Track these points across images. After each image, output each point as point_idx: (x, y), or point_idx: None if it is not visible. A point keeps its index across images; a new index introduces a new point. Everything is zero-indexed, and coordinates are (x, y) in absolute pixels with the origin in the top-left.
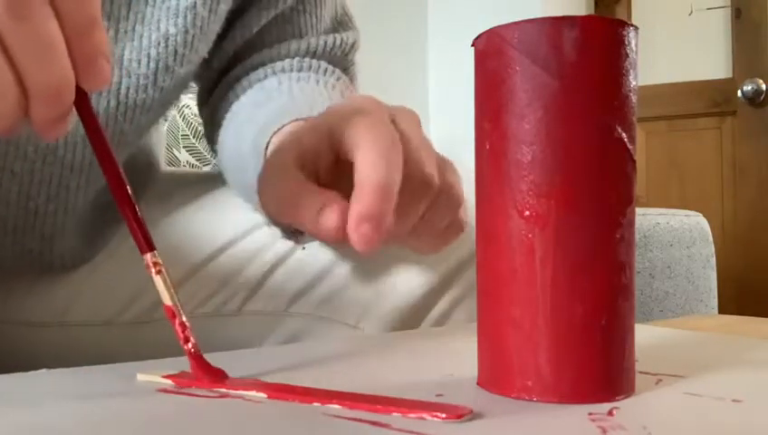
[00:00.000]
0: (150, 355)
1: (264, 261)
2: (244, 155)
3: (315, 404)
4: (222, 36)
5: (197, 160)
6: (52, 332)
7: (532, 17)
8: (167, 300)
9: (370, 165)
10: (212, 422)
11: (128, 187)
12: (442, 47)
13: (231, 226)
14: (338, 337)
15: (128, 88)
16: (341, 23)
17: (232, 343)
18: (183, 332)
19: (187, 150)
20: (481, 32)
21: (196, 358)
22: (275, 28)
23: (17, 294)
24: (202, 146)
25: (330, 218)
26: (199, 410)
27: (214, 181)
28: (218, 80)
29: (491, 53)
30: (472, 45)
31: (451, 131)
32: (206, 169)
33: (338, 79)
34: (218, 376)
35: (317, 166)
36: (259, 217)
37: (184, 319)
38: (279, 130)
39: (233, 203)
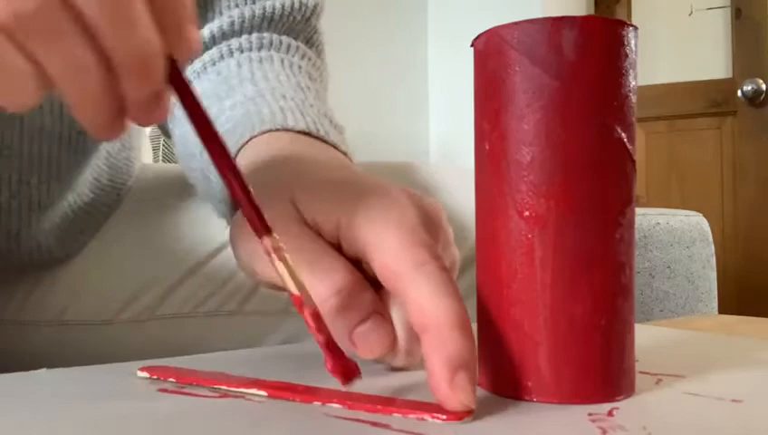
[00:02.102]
0: (150, 355)
1: None
2: (204, 159)
3: (315, 404)
4: None
5: None
6: (52, 331)
7: (532, 17)
8: (293, 289)
9: (434, 301)
10: (212, 422)
11: (239, 169)
12: (442, 47)
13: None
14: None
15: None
16: None
17: (232, 342)
18: (316, 322)
19: None
20: (481, 32)
21: (334, 351)
22: None
23: (17, 294)
24: None
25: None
26: (199, 409)
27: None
28: None
29: (491, 53)
30: (472, 45)
31: (451, 131)
32: None
33: (302, 57)
34: (354, 372)
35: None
36: None
37: (316, 308)
38: (246, 142)
39: None
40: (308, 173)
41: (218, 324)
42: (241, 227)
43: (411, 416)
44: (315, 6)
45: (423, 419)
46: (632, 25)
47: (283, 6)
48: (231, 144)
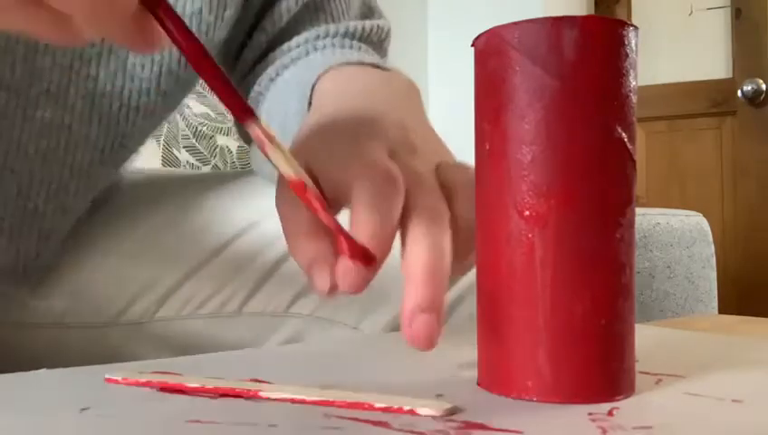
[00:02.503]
0: (151, 356)
1: (263, 261)
2: (290, 114)
3: (315, 404)
4: (253, 27)
5: (197, 160)
6: (52, 332)
7: (532, 17)
8: (290, 173)
9: (418, 248)
10: (212, 422)
11: (212, 59)
12: (442, 47)
13: (230, 226)
14: (338, 338)
15: (131, 91)
16: (371, 10)
17: (232, 344)
18: (322, 204)
19: (187, 150)
20: (481, 32)
21: (345, 233)
22: (308, 15)
23: (18, 296)
24: (202, 146)
25: (319, 281)
26: (199, 410)
27: (213, 181)
28: (252, 68)
29: (491, 53)
30: (472, 45)
31: (451, 131)
32: (206, 169)
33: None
34: (369, 257)
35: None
36: (258, 217)
37: (317, 190)
38: (325, 72)
39: (232, 203)
40: (328, 129)
41: (218, 326)
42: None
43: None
44: (389, 31)
45: (415, 415)
46: (632, 25)
47: (363, 28)
48: (312, 76)
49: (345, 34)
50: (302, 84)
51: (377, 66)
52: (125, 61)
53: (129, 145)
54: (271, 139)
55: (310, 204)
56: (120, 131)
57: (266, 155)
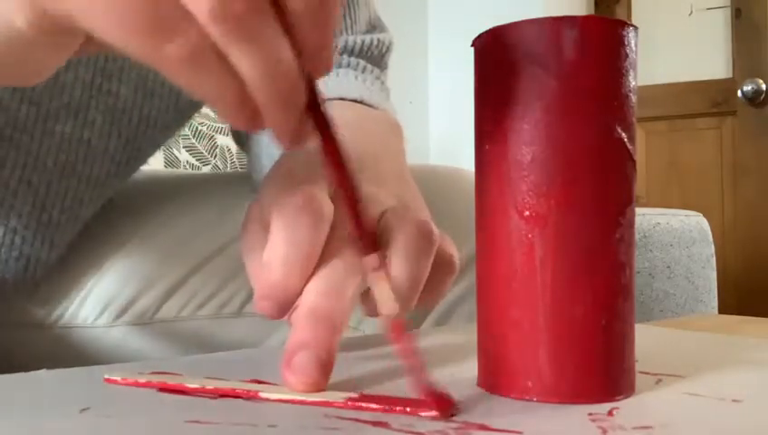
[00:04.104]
0: (150, 355)
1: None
2: (272, 156)
3: (315, 404)
4: None
5: (197, 160)
6: (53, 332)
7: (532, 17)
8: (390, 311)
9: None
10: (212, 422)
11: (359, 194)
12: (442, 47)
13: (230, 226)
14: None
15: (150, 108)
16: (375, 25)
17: (232, 344)
18: (410, 349)
19: (187, 150)
20: (481, 32)
21: (424, 383)
22: None
23: (19, 297)
24: (202, 146)
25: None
26: (199, 410)
27: (213, 182)
28: None
29: (491, 53)
30: (472, 45)
31: (451, 131)
32: (206, 169)
33: (377, 78)
34: (449, 403)
35: None
36: None
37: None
38: None
39: (232, 203)
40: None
41: (218, 327)
42: (251, 239)
43: (397, 410)
44: (390, 44)
45: (415, 415)
46: (632, 25)
47: (363, 42)
48: None
49: (344, 50)
50: None
51: (362, 102)
52: (145, 78)
53: (144, 156)
54: (387, 272)
55: (401, 346)
56: (137, 145)
57: (371, 283)
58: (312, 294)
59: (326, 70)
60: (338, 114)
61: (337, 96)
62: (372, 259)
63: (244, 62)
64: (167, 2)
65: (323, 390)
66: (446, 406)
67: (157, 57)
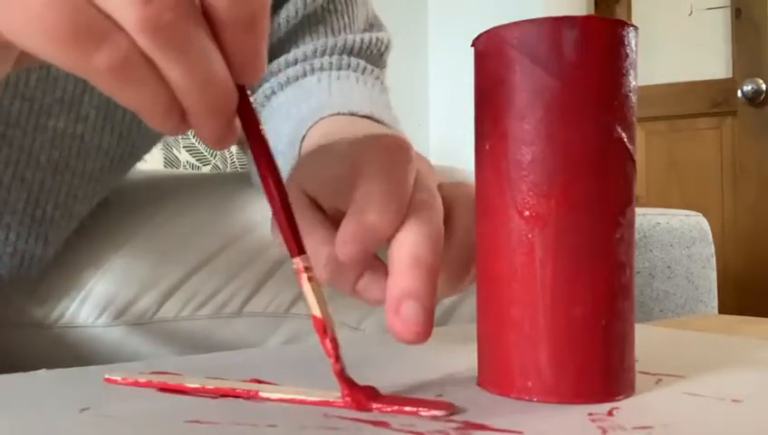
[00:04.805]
0: (150, 355)
1: (264, 262)
2: (279, 152)
3: (315, 404)
4: None
5: (197, 160)
6: (53, 332)
7: (532, 17)
8: (316, 311)
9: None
10: (212, 422)
11: (284, 190)
12: (442, 47)
13: (231, 227)
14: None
15: None
16: (373, 24)
17: (232, 344)
18: (334, 350)
19: (187, 150)
20: (481, 32)
21: (346, 381)
22: (307, 27)
23: (18, 297)
24: (202, 146)
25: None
26: (199, 409)
27: (213, 182)
28: None
29: (491, 53)
30: (472, 45)
31: (451, 131)
32: (206, 169)
33: (377, 78)
34: (370, 397)
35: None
36: (258, 218)
37: (336, 335)
38: (315, 123)
39: (232, 204)
40: (321, 151)
41: (219, 327)
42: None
43: (396, 410)
44: (389, 43)
45: (411, 414)
46: (632, 25)
47: (362, 40)
48: (303, 128)
49: (343, 50)
50: (293, 141)
51: (370, 117)
52: None
53: (139, 152)
54: (310, 277)
55: (324, 346)
56: (132, 140)
57: (300, 285)
58: (413, 241)
59: (258, 78)
60: (348, 131)
61: (347, 111)
62: (303, 260)
63: (174, 71)
64: (87, 13)
65: (427, 341)
66: (365, 402)
67: (86, 68)
